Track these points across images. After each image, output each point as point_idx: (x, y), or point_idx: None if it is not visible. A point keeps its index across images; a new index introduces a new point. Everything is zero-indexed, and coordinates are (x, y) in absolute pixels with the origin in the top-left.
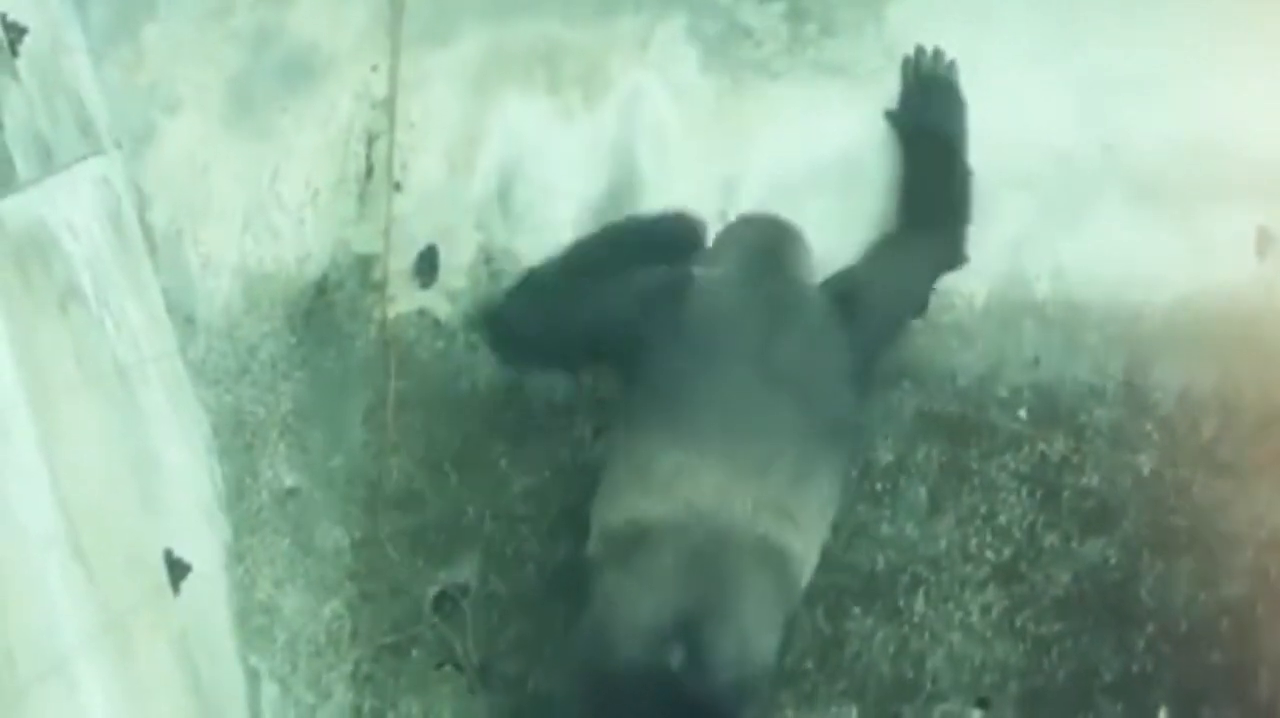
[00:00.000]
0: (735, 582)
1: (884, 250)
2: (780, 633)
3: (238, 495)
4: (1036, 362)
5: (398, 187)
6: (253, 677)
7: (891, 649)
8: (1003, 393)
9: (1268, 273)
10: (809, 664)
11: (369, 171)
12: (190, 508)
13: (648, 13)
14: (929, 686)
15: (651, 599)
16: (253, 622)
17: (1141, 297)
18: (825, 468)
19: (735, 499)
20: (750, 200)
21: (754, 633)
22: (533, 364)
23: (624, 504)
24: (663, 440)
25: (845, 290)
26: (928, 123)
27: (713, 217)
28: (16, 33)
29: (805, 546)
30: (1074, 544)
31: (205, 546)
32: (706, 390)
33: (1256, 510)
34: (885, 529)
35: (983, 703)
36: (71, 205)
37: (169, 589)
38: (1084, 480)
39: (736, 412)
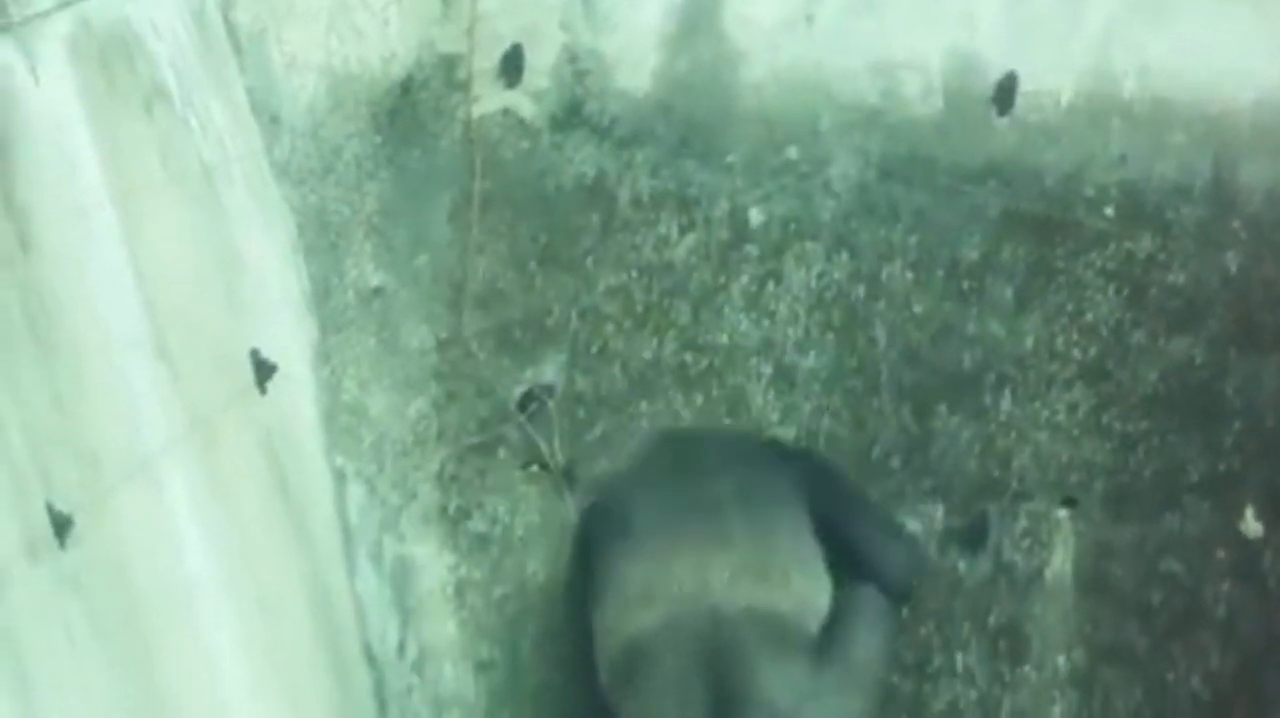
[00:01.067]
0: (741, 659)
1: None
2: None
3: (323, 295)
4: (1123, 160)
5: None
6: (339, 477)
7: (977, 448)
8: (1089, 192)
9: None
10: (895, 463)
11: None
12: (276, 308)
13: None
14: (1015, 484)
15: (673, 710)
16: (339, 422)
17: (1230, 94)
18: (784, 515)
19: (710, 580)
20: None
21: (781, 696)
22: None
23: (615, 633)
24: (626, 567)
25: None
26: None
27: (799, 20)
28: None
29: (797, 597)
30: (1161, 343)
31: (291, 345)
32: (654, 512)
33: None
34: (971, 328)
35: (1069, 502)
36: (155, 4)
37: (255, 389)
38: (1171, 278)
39: (681, 509)
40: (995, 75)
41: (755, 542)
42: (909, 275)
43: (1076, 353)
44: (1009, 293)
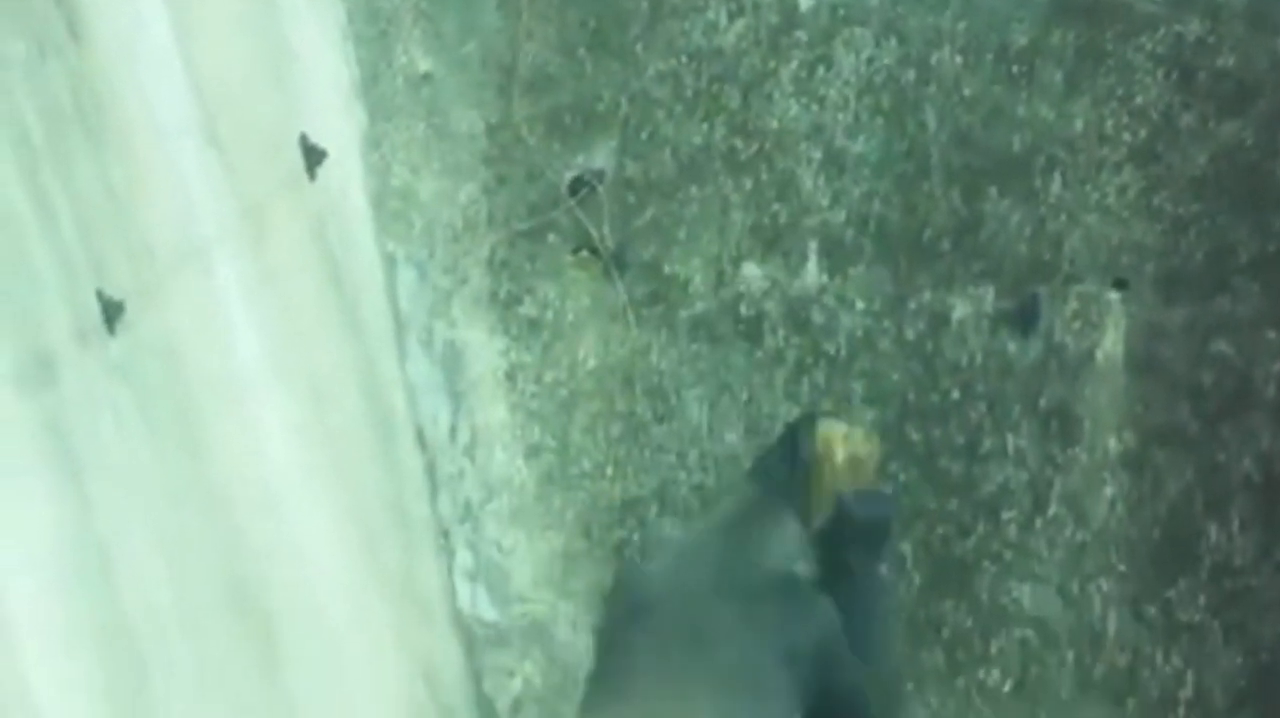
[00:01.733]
0: None
1: None
2: None
3: (372, 81)
4: None
5: None
6: (389, 263)
7: (1028, 231)
8: None
9: None
10: (945, 246)
11: None
12: (326, 94)
13: None
14: (1065, 267)
15: None
16: (389, 207)
17: None
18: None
19: None
20: None
21: None
22: None
23: None
24: (599, 700)
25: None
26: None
27: None
28: None
29: None
30: (1210, 125)
31: (341, 131)
32: (637, 656)
33: None
34: (1021, 112)
35: (1120, 284)
36: None
37: (305, 175)
38: (1220, 62)
39: (657, 665)
40: None
41: None
42: (958, 60)
43: (1126, 136)
44: (1058, 77)
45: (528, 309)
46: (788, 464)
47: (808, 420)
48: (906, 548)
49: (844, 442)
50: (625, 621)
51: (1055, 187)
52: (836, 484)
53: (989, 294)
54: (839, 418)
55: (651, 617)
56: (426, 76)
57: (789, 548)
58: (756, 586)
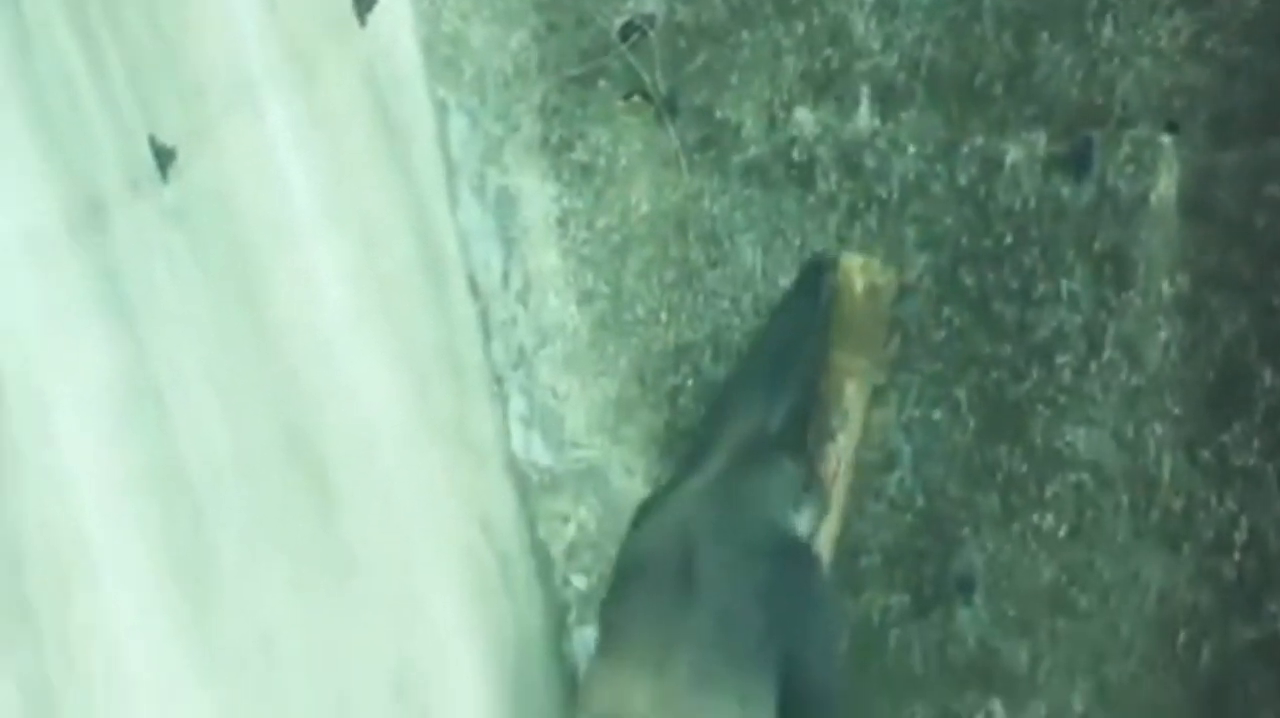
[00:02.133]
0: None
1: None
2: None
3: None
4: None
5: None
6: (440, 109)
7: (1080, 75)
8: None
9: None
10: (997, 90)
11: None
12: None
13: None
14: (1118, 110)
15: None
16: (440, 54)
17: None
18: (731, 681)
19: (633, 701)
20: None
21: None
22: None
23: None
24: (597, 658)
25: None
26: None
27: None
28: None
29: None
30: None
31: None
32: (634, 604)
33: None
34: None
35: (1172, 127)
36: None
37: (354, 21)
38: None
39: (647, 619)
40: None
41: (690, 687)
42: None
43: None
44: None
45: (579, 155)
46: (811, 302)
47: (827, 259)
48: (960, 393)
49: (862, 272)
50: (623, 578)
51: (1107, 30)
52: (855, 315)
53: (1041, 138)
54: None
55: (645, 575)
56: None
57: (784, 500)
58: (748, 541)
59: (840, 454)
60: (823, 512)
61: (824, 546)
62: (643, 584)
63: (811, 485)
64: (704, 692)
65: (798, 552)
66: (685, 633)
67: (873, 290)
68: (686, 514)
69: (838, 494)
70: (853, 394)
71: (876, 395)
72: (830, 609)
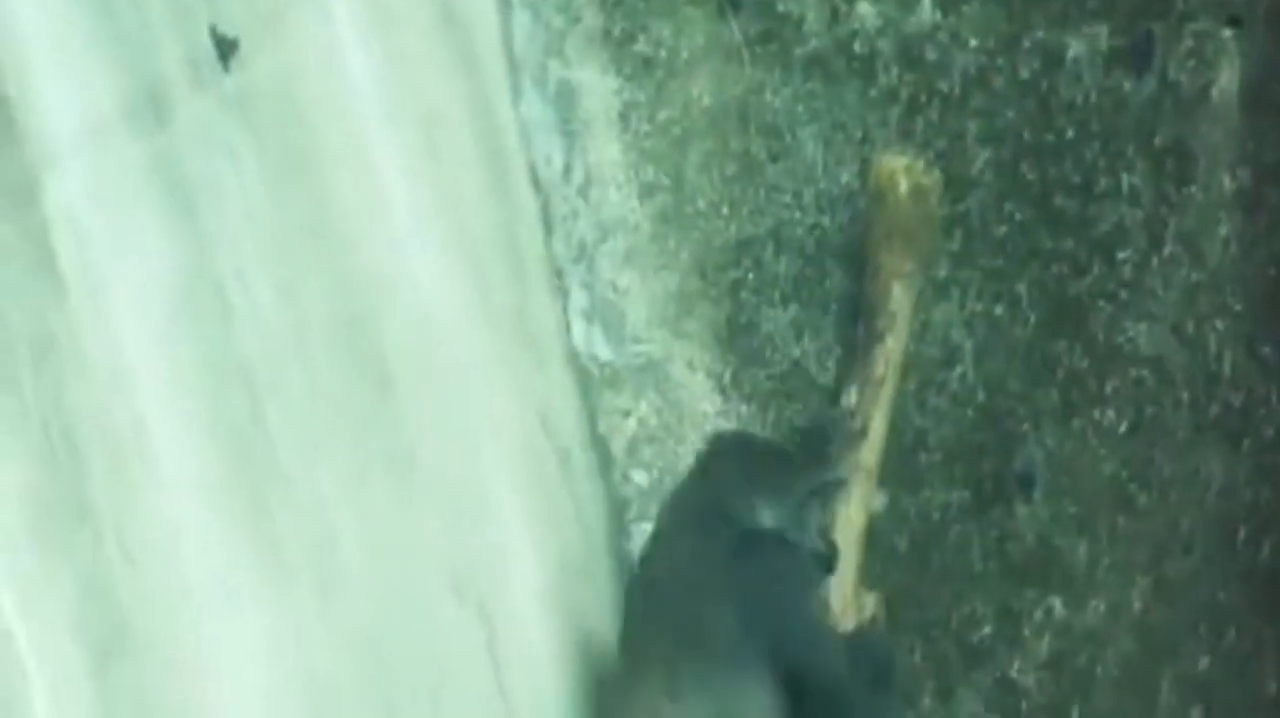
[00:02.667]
0: None
1: None
2: None
3: None
4: None
5: None
6: (503, 2)
7: None
8: None
9: None
10: None
11: None
12: None
13: None
14: (1180, 4)
15: None
16: None
17: None
18: (705, 684)
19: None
20: None
21: None
22: None
23: None
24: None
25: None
26: None
27: None
28: None
29: None
30: None
31: None
32: (630, 613)
33: None
34: None
35: (1234, 22)
36: None
37: None
38: None
39: (635, 632)
40: None
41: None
42: None
43: None
44: None
45: (641, 48)
46: None
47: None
48: (1021, 288)
49: (906, 173)
50: (630, 585)
51: None
52: (901, 217)
53: (1103, 32)
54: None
55: (639, 581)
56: None
57: (737, 495)
58: (717, 542)
59: (888, 357)
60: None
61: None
62: (634, 599)
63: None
64: (678, 700)
65: (758, 545)
66: (656, 644)
67: (917, 191)
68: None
69: (884, 400)
70: (900, 296)
71: (938, 291)
72: (803, 594)
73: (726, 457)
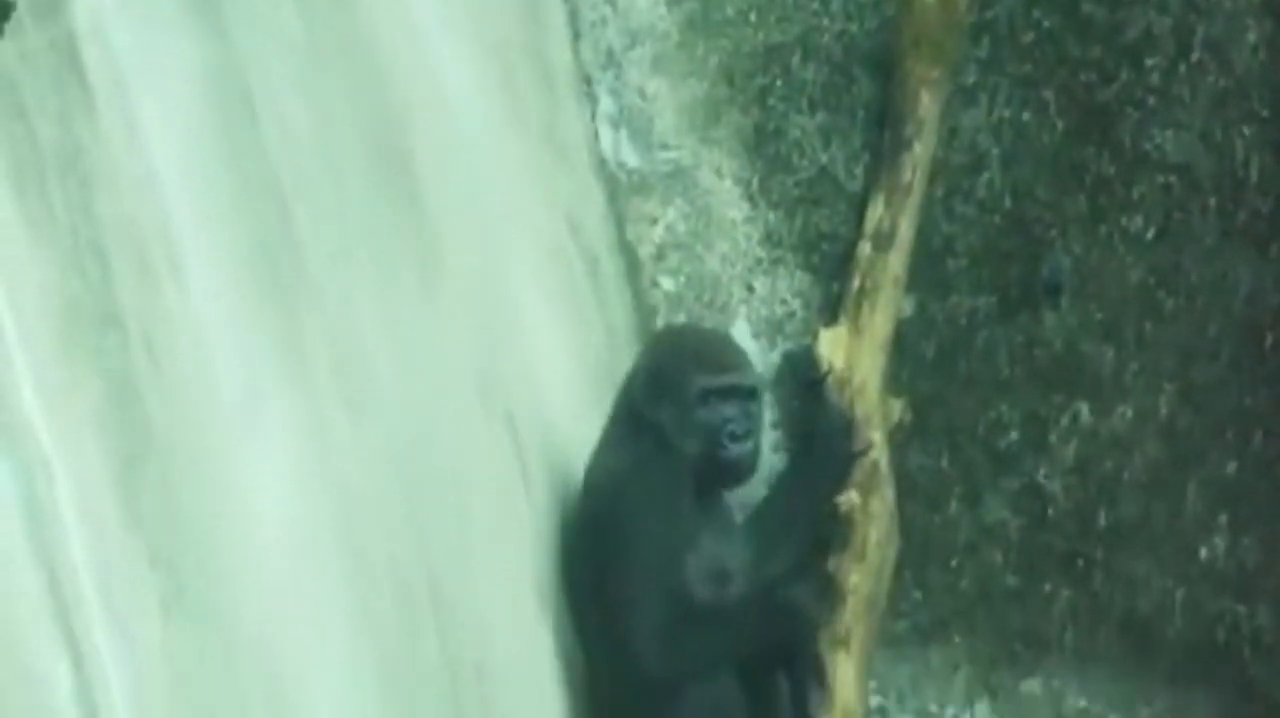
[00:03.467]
0: None
1: None
2: None
3: None
4: None
5: None
6: None
7: None
8: None
9: None
10: None
11: None
12: None
13: None
14: None
15: None
16: None
17: None
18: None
19: None
20: None
21: None
22: None
23: None
24: None
25: None
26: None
27: None
28: None
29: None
30: None
31: None
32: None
33: None
34: None
35: None
36: None
37: None
38: None
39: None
40: None
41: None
42: None
43: None
44: None
45: None
46: None
47: None
48: (1049, 95)
49: None
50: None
51: None
52: (929, 24)
53: None
54: None
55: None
56: None
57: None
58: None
59: (916, 163)
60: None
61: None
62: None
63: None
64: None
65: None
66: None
67: None
68: None
69: (911, 206)
70: (928, 103)
71: (965, 97)
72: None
73: (654, 351)
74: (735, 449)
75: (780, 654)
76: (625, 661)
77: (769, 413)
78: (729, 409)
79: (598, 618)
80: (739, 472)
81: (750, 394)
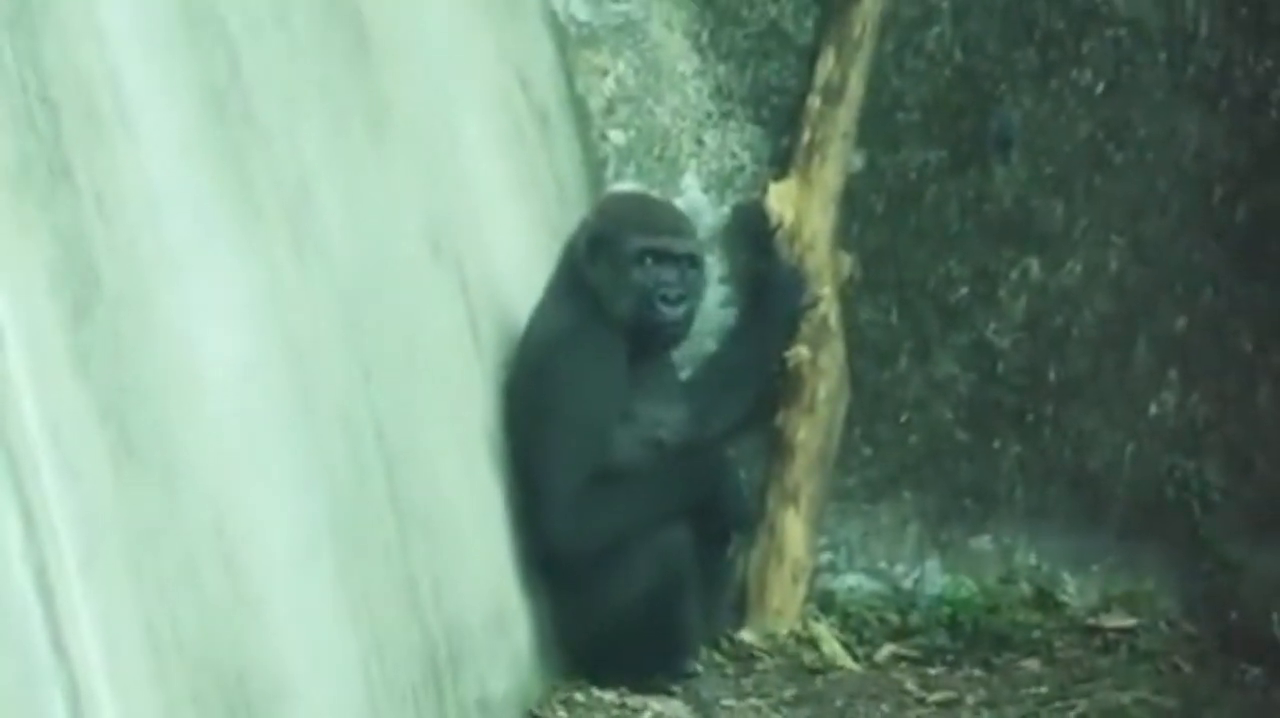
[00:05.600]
0: None
1: None
2: None
3: None
4: None
5: None
6: None
7: None
8: None
9: None
10: None
11: None
12: None
13: None
14: None
15: None
16: None
17: None
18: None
19: None
20: None
21: None
22: None
23: None
24: None
25: None
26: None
27: None
28: None
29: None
30: None
31: None
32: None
33: None
34: None
35: None
36: None
37: None
38: None
39: None
40: None
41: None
42: None
43: None
44: None
45: None
46: None
47: None
48: None
49: None
50: None
51: None
52: None
53: None
54: None
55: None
56: None
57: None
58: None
59: (865, 18)
60: None
61: None
62: None
63: None
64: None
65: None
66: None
67: None
68: None
69: (861, 60)
70: None
71: None
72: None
73: (598, 213)
74: (667, 312)
75: (712, 511)
76: (535, 529)
77: (718, 267)
78: (665, 273)
79: (519, 480)
80: (669, 335)
81: (689, 261)
